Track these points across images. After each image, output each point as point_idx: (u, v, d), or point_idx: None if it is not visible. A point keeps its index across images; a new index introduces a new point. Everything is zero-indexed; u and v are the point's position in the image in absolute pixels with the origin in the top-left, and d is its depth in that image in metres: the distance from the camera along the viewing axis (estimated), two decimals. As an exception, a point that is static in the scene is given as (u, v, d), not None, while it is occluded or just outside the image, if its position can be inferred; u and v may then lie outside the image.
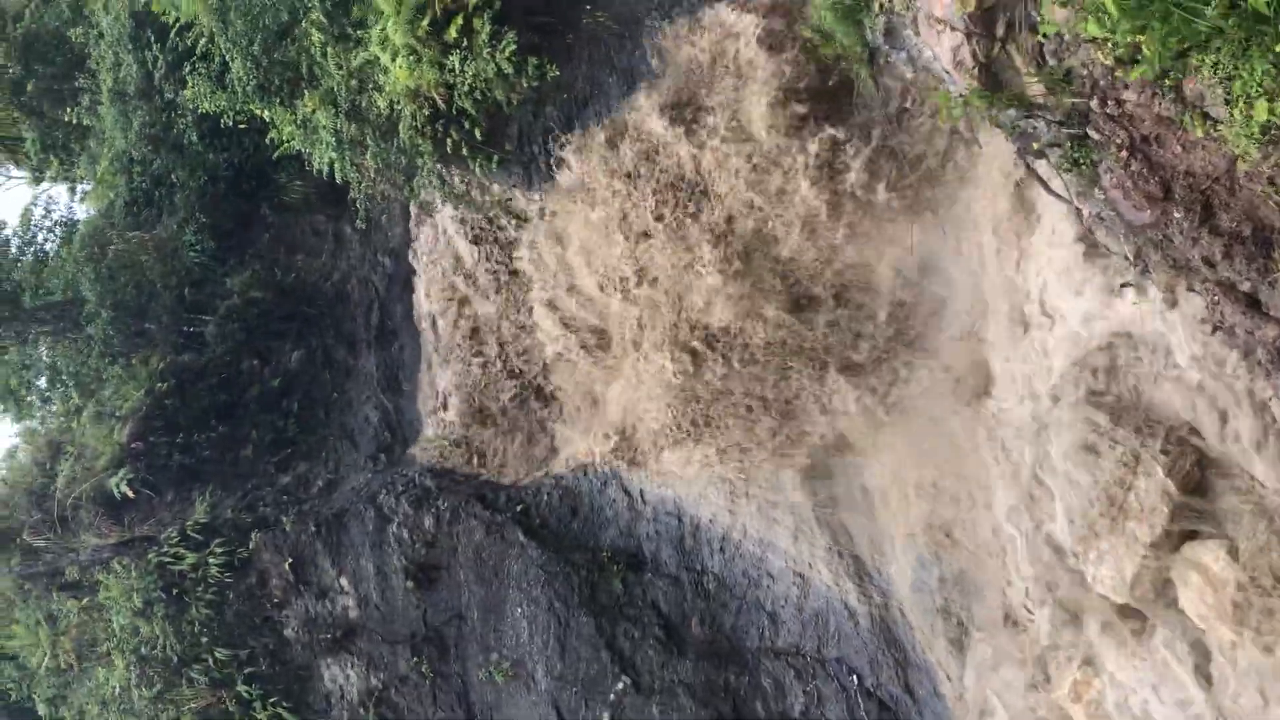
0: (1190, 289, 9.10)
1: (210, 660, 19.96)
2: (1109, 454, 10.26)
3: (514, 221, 19.73)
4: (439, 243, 21.19)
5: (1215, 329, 9.05)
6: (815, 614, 17.66)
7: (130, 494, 20.72)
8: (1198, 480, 9.87)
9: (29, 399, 26.02)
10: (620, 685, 18.68)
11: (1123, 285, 10.30)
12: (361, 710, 20.45)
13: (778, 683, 17.86)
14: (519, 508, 19.66)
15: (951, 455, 14.87)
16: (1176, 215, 8.34)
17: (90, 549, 21.04)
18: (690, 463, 17.81)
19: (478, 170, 18.23)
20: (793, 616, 17.86)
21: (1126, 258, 9.96)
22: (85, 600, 20.42)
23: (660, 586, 18.72)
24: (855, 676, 17.24)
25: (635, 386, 18.12)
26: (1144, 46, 7.87)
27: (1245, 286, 8.56)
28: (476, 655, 19.76)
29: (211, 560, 20.19)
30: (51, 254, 26.23)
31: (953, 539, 15.31)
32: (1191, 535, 9.95)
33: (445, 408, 21.39)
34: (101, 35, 24.15)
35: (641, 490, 18.95)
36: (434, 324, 22.11)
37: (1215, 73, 7.74)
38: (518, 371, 20.42)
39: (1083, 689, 11.03)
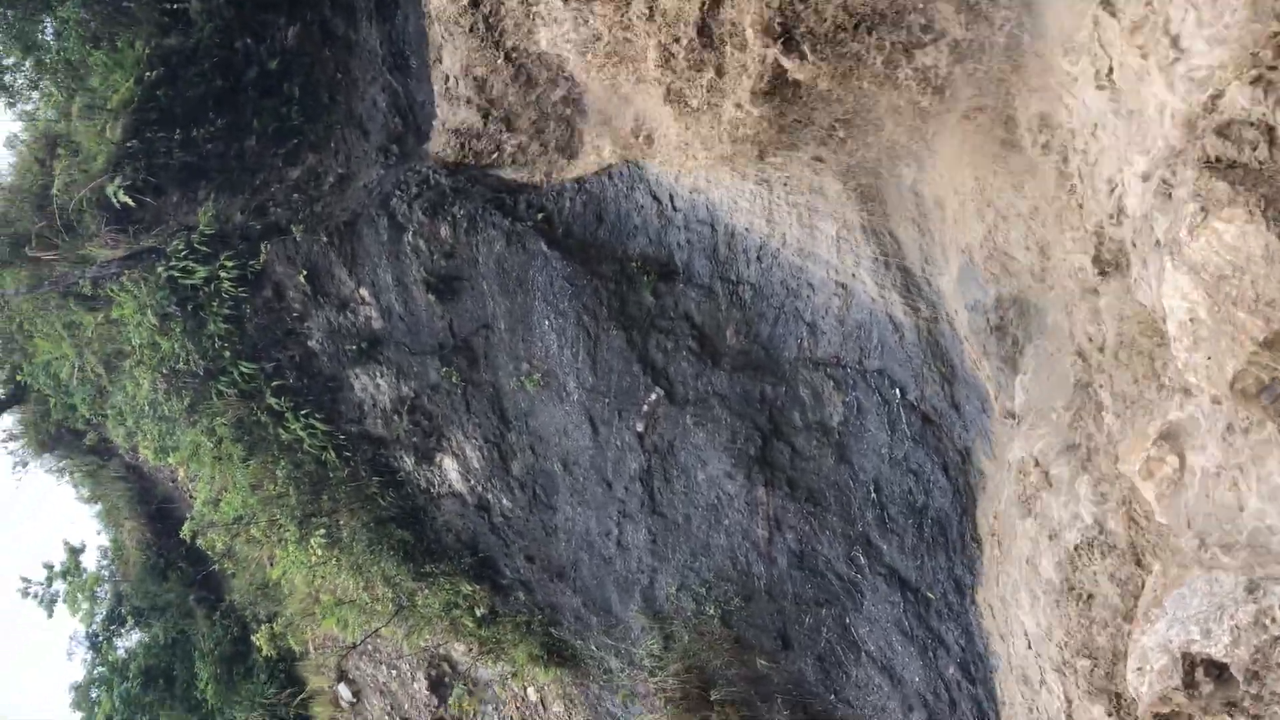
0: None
1: (235, 374, 19.69)
2: (1220, 226, 8.59)
3: None
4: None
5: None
6: (857, 325, 16.64)
7: (131, 202, 19.52)
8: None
9: (15, 82, 24.20)
10: (654, 396, 18.20)
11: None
12: (395, 417, 20.37)
13: (816, 393, 17.21)
14: (540, 215, 18.24)
15: (1018, 176, 13.11)
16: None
17: (98, 263, 20.23)
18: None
19: None
20: (833, 327, 16.87)
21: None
22: (101, 316, 19.89)
23: (693, 297, 17.66)
24: (898, 390, 16.50)
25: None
26: None
27: None
28: (507, 365, 19.23)
29: (223, 274, 19.33)
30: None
31: (1013, 263, 13.90)
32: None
33: (457, 94, 19.40)
34: None
35: (671, 195, 17.36)
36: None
37: None
38: (529, 55, 18.18)
39: (1155, 466, 10.08)
